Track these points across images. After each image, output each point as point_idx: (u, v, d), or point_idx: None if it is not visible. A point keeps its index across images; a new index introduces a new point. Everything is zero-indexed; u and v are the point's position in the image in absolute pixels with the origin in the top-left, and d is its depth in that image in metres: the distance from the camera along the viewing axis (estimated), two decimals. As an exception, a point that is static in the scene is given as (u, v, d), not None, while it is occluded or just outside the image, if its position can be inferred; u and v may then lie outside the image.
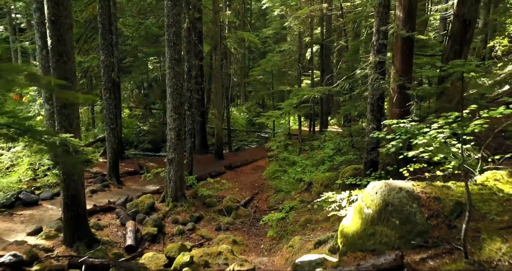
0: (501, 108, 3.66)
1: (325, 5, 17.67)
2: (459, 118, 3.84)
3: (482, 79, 13.45)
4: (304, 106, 11.74)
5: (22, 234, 7.49)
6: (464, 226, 3.12)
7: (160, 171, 10.70)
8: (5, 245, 6.88)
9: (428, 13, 17.46)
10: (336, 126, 23.44)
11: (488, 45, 15.42)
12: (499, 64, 15.03)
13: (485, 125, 3.65)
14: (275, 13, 21.44)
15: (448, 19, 10.24)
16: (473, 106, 3.71)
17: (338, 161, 11.15)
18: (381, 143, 7.76)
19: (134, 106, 25.88)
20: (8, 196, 8.91)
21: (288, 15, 20.16)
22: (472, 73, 3.69)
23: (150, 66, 26.18)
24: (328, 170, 11.22)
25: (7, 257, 5.83)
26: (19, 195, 9.24)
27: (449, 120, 3.82)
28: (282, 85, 22.63)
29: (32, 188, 10.15)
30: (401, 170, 5.12)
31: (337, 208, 5.20)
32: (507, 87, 11.77)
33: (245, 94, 33.89)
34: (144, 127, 21.48)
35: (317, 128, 21.71)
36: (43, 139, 4.97)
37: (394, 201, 3.94)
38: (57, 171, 10.30)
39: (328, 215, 6.48)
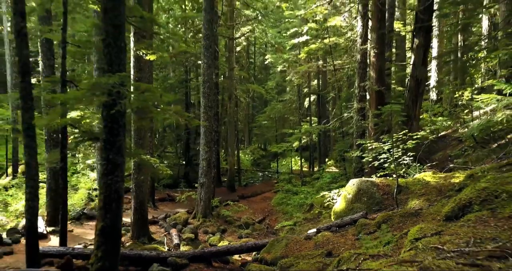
0: (422, 133, 6.55)
1: (320, 62, 21.27)
2: (399, 139, 6.67)
3: (449, 122, 16.49)
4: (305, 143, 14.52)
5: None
6: (395, 193, 5.83)
7: (191, 194, 13.27)
8: (90, 240, 9.36)
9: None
10: (333, 167, 26.19)
11: (455, 96, 18.67)
12: (465, 111, 18.18)
13: (415, 142, 6.48)
14: (278, 69, 25.02)
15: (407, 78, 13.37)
16: (403, 132, 6.54)
17: (334, 187, 13.77)
18: (364, 166, 10.52)
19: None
20: (77, 211, 11.41)
21: (289, 71, 23.79)
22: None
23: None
24: (328, 202, 13.81)
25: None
26: (84, 211, 11.76)
27: (393, 139, 6.64)
28: (284, 129, 25.70)
29: (89, 207, 12.65)
30: (372, 175, 7.86)
31: (331, 200, 7.86)
32: (466, 129, 14.70)
33: (249, 138, 37.04)
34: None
35: (316, 169, 24.42)
36: (141, 157, 7.75)
37: (364, 187, 6.65)
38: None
39: (325, 205, 9.07)
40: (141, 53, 8.90)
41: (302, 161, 25.14)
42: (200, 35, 24.16)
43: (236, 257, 7.91)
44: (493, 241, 2.74)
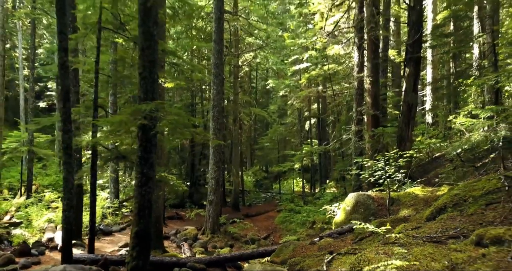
0: (411, 151, 7.47)
1: (320, 87, 22.45)
2: (391, 157, 7.58)
3: (442, 144, 17.44)
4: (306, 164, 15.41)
5: (115, 247, 10.70)
6: (388, 204, 6.69)
7: (199, 212, 14.04)
8: (109, 252, 10.10)
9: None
10: (334, 188, 26.96)
11: (448, 119, 19.72)
12: (458, 133, 19.17)
13: (406, 160, 7.39)
14: (280, 93, 26.24)
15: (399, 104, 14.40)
16: (395, 151, 7.46)
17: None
18: (362, 184, 11.37)
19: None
20: (96, 226, 12.16)
21: (290, 95, 25.00)
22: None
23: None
24: (329, 217, 14.57)
25: (123, 251, 9.10)
26: (100, 227, 12.51)
27: (385, 158, 7.56)
28: (286, 151, 26.66)
29: (104, 224, 13.40)
30: (369, 191, 8.71)
31: (332, 213, 8.69)
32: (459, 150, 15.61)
33: (251, 160, 37.92)
34: (166, 188, 25.00)
35: (317, 190, 25.20)
36: (160, 174, 8.64)
37: (361, 200, 7.51)
38: (123, 211, 13.68)
39: (326, 221, 9.86)
40: (160, 81, 9.95)
41: (304, 182, 26.00)
42: (204, 61, 25.61)
43: (246, 265, 8.65)
44: (454, 229, 3.63)
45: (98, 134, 8.66)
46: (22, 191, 18.94)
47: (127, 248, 10.38)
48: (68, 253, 7.06)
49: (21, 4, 30.87)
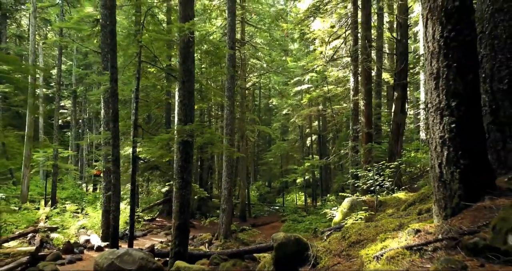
0: (395, 163, 9.13)
1: (321, 107, 24.29)
2: (380, 167, 9.24)
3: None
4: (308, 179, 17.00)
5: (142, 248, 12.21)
6: (376, 205, 8.32)
7: (213, 219, 15.58)
8: (139, 250, 11.64)
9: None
10: (334, 202, 28.43)
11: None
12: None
13: (392, 171, 9.06)
14: (284, 112, 28.06)
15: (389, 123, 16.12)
16: (382, 162, 9.12)
17: (335, 213, 16.09)
18: (358, 193, 12.96)
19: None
20: (122, 232, 13.72)
21: (292, 114, 26.81)
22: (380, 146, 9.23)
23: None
24: (329, 220, 16.10)
25: (156, 248, 10.65)
26: (126, 232, 14.05)
27: (375, 169, 9.22)
28: (289, 165, 28.29)
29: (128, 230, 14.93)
30: (362, 196, 10.33)
31: (332, 215, 10.31)
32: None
33: (255, 175, 39.49)
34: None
35: (318, 203, 26.71)
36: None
37: (355, 203, 9.14)
38: (147, 218, 15.24)
39: (326, 218, 11.45)
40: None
41: (306, 196, 27.58)
42: (211, 82, 27.53)
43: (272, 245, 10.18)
44: (415, 212, 5.28)
45: (138, 149, 10.36)
46: (42, 203, 20.46)
47: (156, 247, 11.96)
48: (116, 245, 8.66)
49: (36, 26, 33.15)
